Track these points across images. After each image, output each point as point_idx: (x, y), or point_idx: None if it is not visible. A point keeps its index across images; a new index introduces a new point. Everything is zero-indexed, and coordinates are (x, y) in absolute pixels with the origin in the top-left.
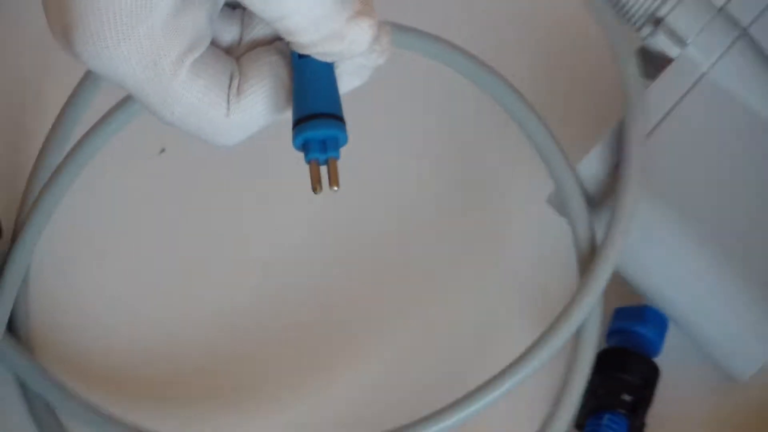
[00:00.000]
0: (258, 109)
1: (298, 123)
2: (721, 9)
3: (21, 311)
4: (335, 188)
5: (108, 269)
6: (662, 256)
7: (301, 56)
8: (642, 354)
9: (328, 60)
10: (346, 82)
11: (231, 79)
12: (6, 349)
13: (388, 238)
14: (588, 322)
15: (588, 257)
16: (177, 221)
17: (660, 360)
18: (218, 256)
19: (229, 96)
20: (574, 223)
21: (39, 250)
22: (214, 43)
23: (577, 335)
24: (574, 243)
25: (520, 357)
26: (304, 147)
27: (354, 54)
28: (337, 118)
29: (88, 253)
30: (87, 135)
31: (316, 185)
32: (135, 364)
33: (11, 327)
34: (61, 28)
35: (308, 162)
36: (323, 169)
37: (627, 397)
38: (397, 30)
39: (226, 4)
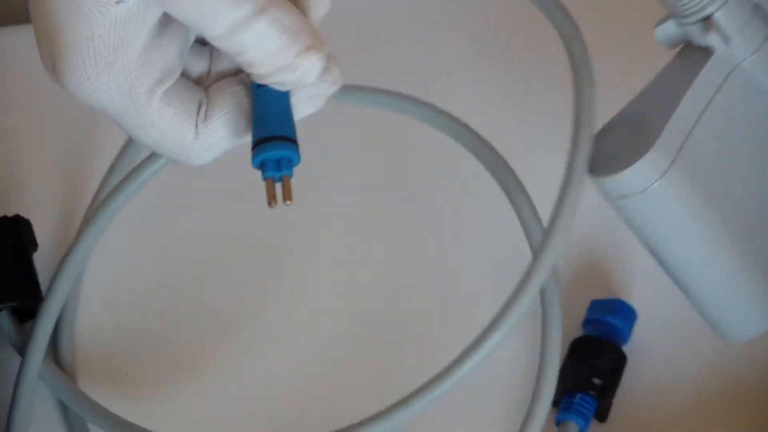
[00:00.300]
0: (222, 133)
1: (256, 145)
2: (756, 5)
3: (66, 336)
4: (288, 203)
5: (148, 300)
6: (683, 229)
7: (259, 86)
8: (612, 342)
9: (283, 89)
10: (302, 109)
11: (199, 106)
12: (48, 373)
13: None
14: (551, 306)
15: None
16: (216, 259)
17: (627, 348)
18: (252, 292)
19: (197, 122)
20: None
21: (84, 278)
22: (185, 75)
23: (543, 319)
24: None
25: (483, 331)
26: (261, 166)
27: (306, 83)
28: (291, 141)
29: (131, 283)
30: (142, 164)
31: (271, 200)
32: (168, 390)
33: (56, 351)
34: (51, 63)
35: (264, 179)
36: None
37: (597, 381)
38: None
39: (197, 41)
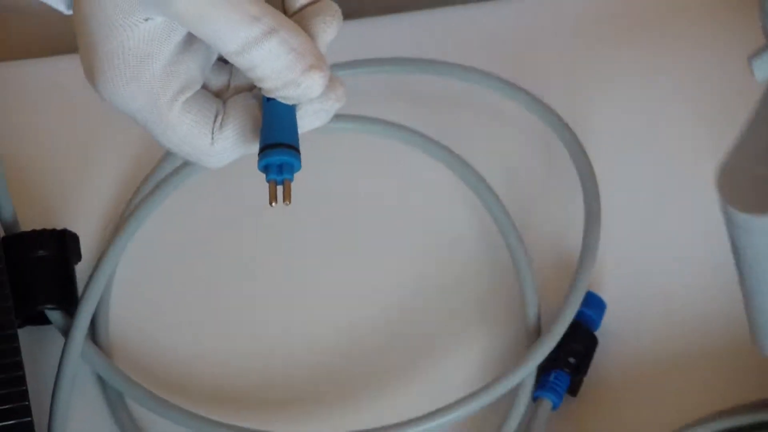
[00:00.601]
0: (235, 140)
1: (262, 150)
2: None
3: (102, 321)
4: (287, 203)
5: (178, 291)
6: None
7: (268, 99)
8: (586, 327)
9: (289, 102)
10: (308, 122)
11: (216, 115)
12: (88, 351)
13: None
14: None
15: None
16: (239, 258)
17: (597, 333)
18: (271, 288)
19: (213, 129)
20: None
21: (119, 270)
22: (206, 87)
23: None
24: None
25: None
26: (265, 169)
27: (309, 98)
28: (293, 148)
29: (163, 276)
30: (178, 169)
31: (272, 200)
32: (197, 369)
33: (94, 333)
34: (89, 73)
35: (268, 182)
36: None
37: (572, 360)
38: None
39: (219, 59)
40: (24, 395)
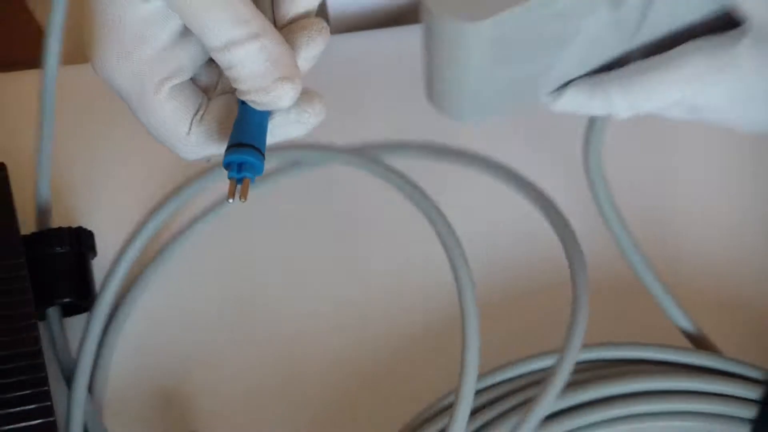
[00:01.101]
0: (210, 135)
1: (228, 149)
2: None
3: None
4: (243, 200)
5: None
6: None
7: (243, 102)
8: None
9: (259, 108)
10: (284, 132)
11: (198, 108)
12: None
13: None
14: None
15: None
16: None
17: None
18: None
19: (192, 120)
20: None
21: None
22: (195, 81)
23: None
24: None
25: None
26: (227, 167)
27: (278, 107)
28: (257, 150)
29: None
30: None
31: (229, 196)
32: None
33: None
34: (87, 45)
35: (229, 178)
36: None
37: None
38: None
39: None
40: (46, 395)
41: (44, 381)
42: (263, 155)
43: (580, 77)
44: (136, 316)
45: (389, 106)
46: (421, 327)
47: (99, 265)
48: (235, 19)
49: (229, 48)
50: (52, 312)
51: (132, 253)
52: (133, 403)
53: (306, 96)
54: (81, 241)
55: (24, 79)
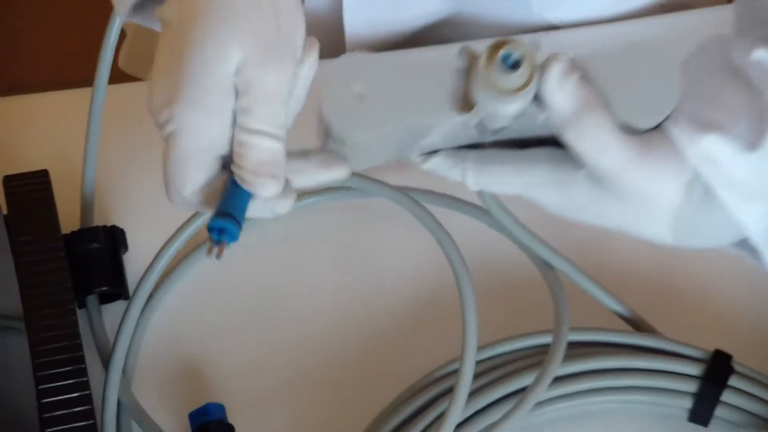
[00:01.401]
0: (201, 204)
1: (215, 214)
2: None
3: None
4: (217, 260)
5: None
6: None
7: (234, 182)
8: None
9: (246, 188)
10: (258, 211)
11: (209, 181)
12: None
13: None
14: None
15: None
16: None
17: None
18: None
19: (199, 188)
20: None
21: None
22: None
23: None
24: None
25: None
26: (210, 229)
27: (259, 195)
28: (236, 221)
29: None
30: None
31: (209, 252)
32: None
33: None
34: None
35: (209, 240)
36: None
37: None
38: None
39: None
40: (83, 372)
41: (81, 359)
42: (240, 225)
43: (447, 149)
44: (167, 305)
45: None
46: (421, 304)
47: (129, 260)
48: (280, 121)
49: (262, 135)
50: (91, 299)
51: (168, 253)
52: (161, 378)
53: (284, 193)
54: (114, 238)
55: (75, 96)
